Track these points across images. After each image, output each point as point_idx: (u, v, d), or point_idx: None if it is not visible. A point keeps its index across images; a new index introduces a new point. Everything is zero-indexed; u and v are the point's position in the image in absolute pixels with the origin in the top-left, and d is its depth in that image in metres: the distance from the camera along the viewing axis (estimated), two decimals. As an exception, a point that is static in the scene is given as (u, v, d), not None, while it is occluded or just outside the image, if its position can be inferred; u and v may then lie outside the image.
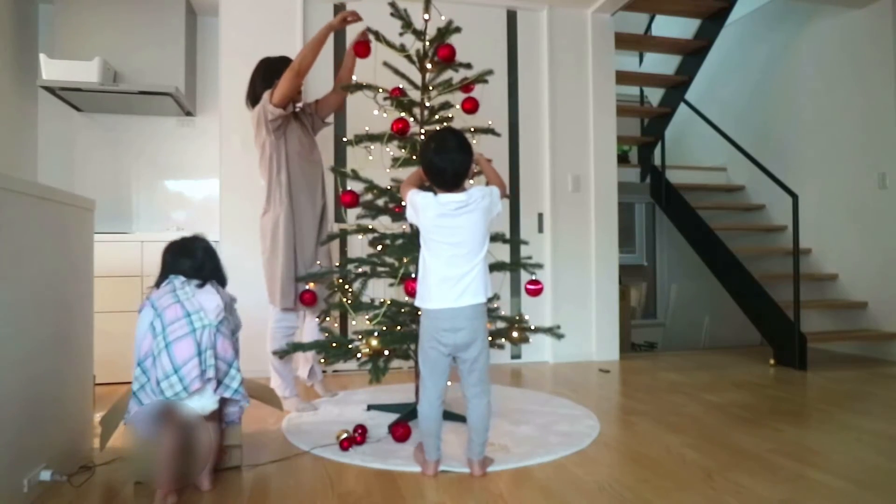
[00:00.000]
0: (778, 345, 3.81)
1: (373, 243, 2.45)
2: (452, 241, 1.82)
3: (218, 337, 1.70)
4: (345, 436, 2.07)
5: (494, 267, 2.46)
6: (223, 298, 1.78)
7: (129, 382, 3.03)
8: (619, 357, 3.94)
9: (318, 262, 2.66)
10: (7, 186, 1.49)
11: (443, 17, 2.44)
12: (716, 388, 3.09)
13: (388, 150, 2.45)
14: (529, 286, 2.46)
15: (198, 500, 1.68)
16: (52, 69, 3.25)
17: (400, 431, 2.16)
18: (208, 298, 1.73)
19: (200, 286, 1.77)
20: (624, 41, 4.57)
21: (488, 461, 1.92)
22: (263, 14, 3.51)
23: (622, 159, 5.43)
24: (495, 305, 2.42)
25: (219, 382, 1.69)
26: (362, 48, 2.53)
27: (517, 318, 2.46)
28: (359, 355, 2.23)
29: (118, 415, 1.90)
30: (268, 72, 2.71)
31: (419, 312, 1.92)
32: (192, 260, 1.81)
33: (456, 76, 2.44)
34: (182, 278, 1.77)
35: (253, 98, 2.75)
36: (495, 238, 2.42)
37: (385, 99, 2.40)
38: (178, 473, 1.69)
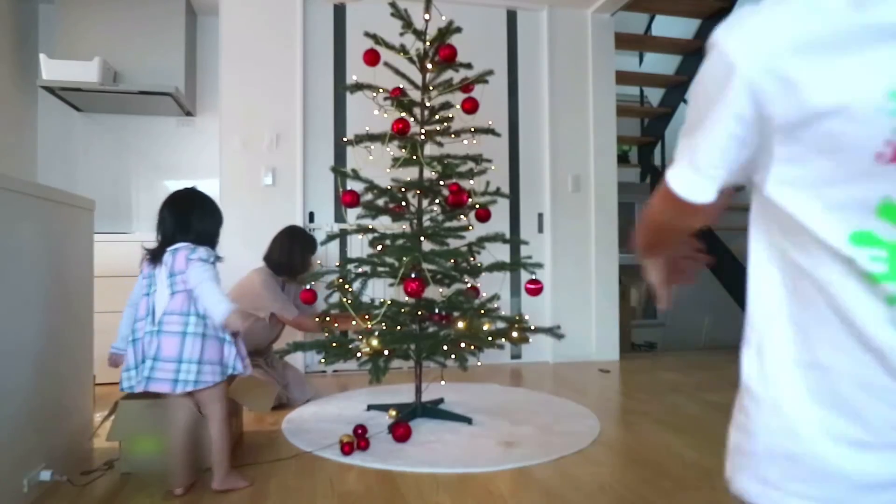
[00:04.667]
0: (778, 345, 3.80)
1: (373, 243, 2.45)
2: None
3: (161, 340, 1.66)
4: (347, 440, 2.06)
5: (494, 267, 2.47)
6: (175, 269, 1.71)
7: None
8: (619, 357, 3.94)
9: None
10: (7, 186, 1.49)
11: (443, 18, 2.44)
12: (716, 388, 3.09)
13: (388, 150, 2.45)
14: (529, 285, 2.47)
15: (198, 500, 1.68)
16: (52, 69, 3.24)
17: (400, 431, 2.16)
18: (159, 290, 1.71)
19: (158, 264, 1.74)
20: (624, 41, 4.57)
21: None
22: (263, 14, 3.52)
23: (622, 159, 5.43)
24: (495, 305, 2.42)
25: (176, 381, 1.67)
26: (371, 57, 2.50)
27: (517, 318, 2.46)
28: (359, 355, 2.23)
29: (127, 424, 1.89)
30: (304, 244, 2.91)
31: (440, 312, 1.88)
32: (168, 225, 1.78)
33: (456, 76, 2.44)
34: (149, 266, 1.76)
35: (288, 261, 2.84)
36: (495, 238, 2.43)
37: (385, 99, 2.40)
38: (188, 468, 1.73)
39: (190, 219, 1.78)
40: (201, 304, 1.69)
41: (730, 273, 4.27)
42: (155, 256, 1.75)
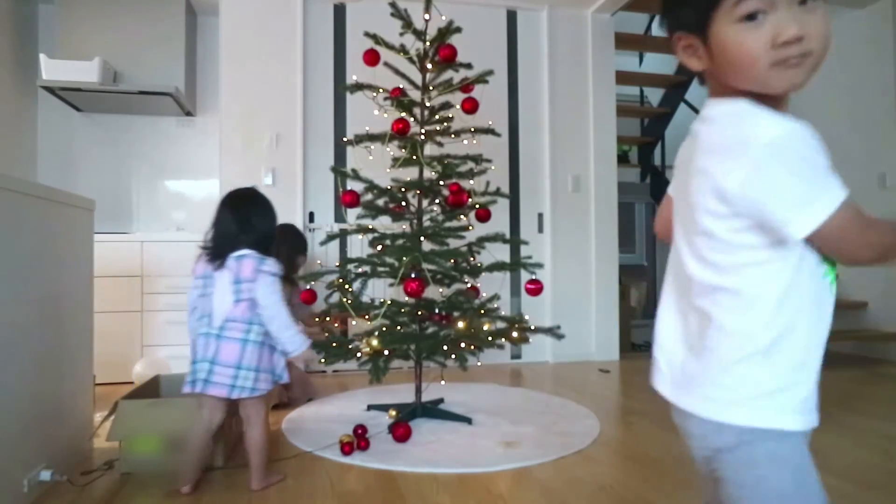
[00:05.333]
0: (778, 345, 3.80)
1: (373, 243, 2.45)
2: None
3: (220, 344, 1.68)
4: (347, 440, 2.06)
5: (494, 267, 2.47)
6: (240, 276, 1.71)
7: (129, 382, 3.04)
8: (619, 357, 3.94)
9: None
10: (7, 186, 1.49)
11: (443, 17, 2.44)
12: (716, 388, 3.09)
13: (388, 150, 2.45)
14: (529, 285, 2.47)
15: (198, 499, 1.68)
16: (52, 69, 3.25)
17: (400, 431, 2.16)
18: (218, 295, 1.72)
19: (220, 266, 1.74)
20: (624, 41, 4.57)
21: None
22: (263, 14, 3.52)
23: (622, 159, 5.43)
24: (495, 305, 2.42)
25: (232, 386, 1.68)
26: (371, 57, 2.50)
27: (517, 318, 2.46)
28: (359, 355, 2.23)
29: (127, 424, 1.88)
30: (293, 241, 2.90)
31: (440, 312, 1.88)
32: (227, 224, 1.76)
33: (456, 76, 2.44)
34: (206, 266, 1.76)
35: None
36: (495, 238, 2.43)
37: (385, 99, 2.40)
38: (199, 467, 1.75)
39: (251, 218, 1.77)
40: (271, 327, 1.72)
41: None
42: (215, 257, 1.74)
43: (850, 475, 1.85)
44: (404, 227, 2.53)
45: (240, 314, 1.69)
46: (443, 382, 2.87)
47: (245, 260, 1.71)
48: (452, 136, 2.49)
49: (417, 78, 2.47)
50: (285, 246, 2.85)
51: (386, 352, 2.23)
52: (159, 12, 3.54)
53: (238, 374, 1.67)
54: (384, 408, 2.56)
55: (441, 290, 2.51)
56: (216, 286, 1.73)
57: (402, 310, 2.37)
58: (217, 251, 1.74)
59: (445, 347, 2.27)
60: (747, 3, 0.67)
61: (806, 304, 0.74)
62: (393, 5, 2.39)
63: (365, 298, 2.47)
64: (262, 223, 1.79)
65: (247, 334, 1.69)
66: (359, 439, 2.08)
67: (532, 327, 2.44)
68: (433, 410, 2.50)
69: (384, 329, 2.27)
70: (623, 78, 4.55)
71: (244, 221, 1.75)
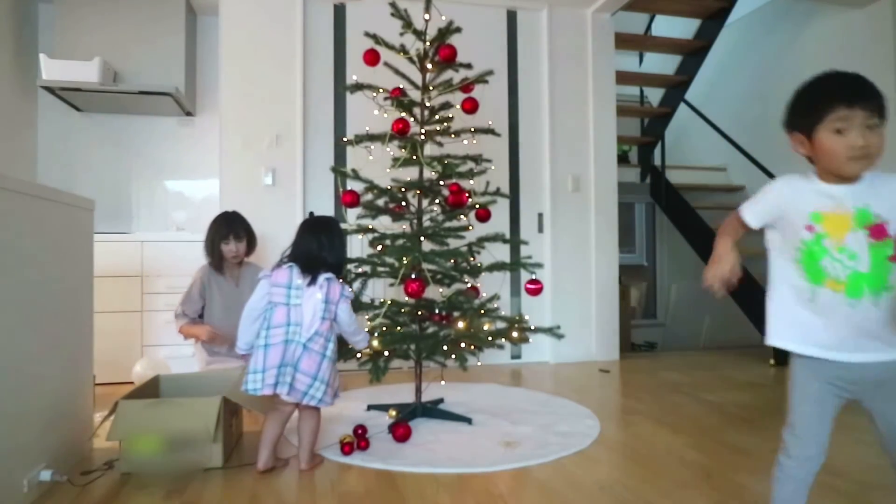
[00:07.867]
0: (778, 345, 3.80)
1: (373, 243, 2.45)
2: None
3: (304, 354, 1.80)
4: (347, 440, 2.06)
5: (494, 267, 2.47)
6: (329, 297, 1.87)
7: (129, 382, 3.04)
8: (619, 357, 3.94)
9: None
10: (7, 186, 1.49)
11: (443, 17, 2.44)
12: (716, 388, 3.09)
13: (388, 150, 2.45)
14: (529, 285, 2.47)
15: (197, 499, 1.68)
16: (52, 69, 3.25)
17: (400, 431, 2.16)
18: (309, 308, 1.84)
19: (311, 282, 1.86)
20: (624, 41, 4.57)
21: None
22: (263, 14, 3.52)
23: (622, 159, 5.44)
24: (495, 305, 2.42)
25: (305, 392, 1.81)
26: (371, 57, 2.50)
27: (517, 318, 2.46)
28: (359, 355, 2.23)
29: (127, 424, 1.88)
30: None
31: (440, 312, 1.89)
32: (314, 244, 1.91)
33: (456, 76, 2.44)
34: (298, 272, 1.87)
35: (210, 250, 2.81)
36: (495, 238, 2.43)
37: (385, 99, 2.40)
38: (273, 453, 1.91)
39: (334, 241, 1.95)
40: (350, 337, 1.99)
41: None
42: (306, 272, 1.87)
43: (851, 475, 1.85)
44: (404, 227, 2.53)
45: (325, 331, 1.85)
46: (443, 382, 2.87)
47: (334, 284, 1.89)
48: (452, 136, 2.49)
49: (417, 78, 2.47)
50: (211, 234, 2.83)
51: (386, 352, 2.23)
52: (159, 12, 3.54)
53: (313, 384, 1.82)
54: (384, 408, 2.56)
55: (441, 290, 2.51)
56: (304, 299, 1.85)
57: (402, 310, 2.37)
58: (306, 267, 1.88)
59: (445, 347, 2.27)
60: (836, 124, 1.16)
61: (782, 287, 1.35)
62: (393, 5, 2.39)
63: (365, 298, 2.47)
64: (341, 250, 1.97)
65: (325, 350, 1.85)
66: (359, 439, 2.08)
67: (532, 327, 2.44)
68: (433, 410, 2.50)
69: (384, 329, 2.27)
70: (623, 78, 4.55)
71: (328, 245, 1.92)
